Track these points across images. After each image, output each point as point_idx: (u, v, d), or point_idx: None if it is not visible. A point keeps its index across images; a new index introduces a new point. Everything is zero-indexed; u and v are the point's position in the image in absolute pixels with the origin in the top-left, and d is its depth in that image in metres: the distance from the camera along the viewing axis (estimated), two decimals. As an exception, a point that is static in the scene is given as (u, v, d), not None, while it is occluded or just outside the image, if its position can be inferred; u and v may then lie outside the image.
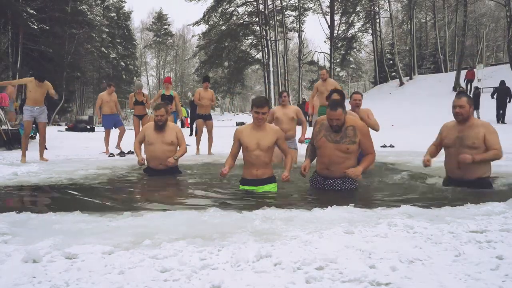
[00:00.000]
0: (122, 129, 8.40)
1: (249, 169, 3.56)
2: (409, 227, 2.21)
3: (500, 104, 14.00)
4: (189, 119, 17.02)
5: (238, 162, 3.79)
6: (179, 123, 11.48)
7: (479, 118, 15.18)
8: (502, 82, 14.66)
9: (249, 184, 3.58)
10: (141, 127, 7.82)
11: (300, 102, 26.14)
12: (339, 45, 35.38)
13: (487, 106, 14.51)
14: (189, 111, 16.78)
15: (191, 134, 13.32)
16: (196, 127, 8.33)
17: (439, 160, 5.15)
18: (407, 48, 37.51)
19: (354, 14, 35.24)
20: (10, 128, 9.13)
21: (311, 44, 45.52)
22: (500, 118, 13.95)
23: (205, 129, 7.92)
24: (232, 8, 32.06)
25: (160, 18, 54.49)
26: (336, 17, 33.84)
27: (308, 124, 6.77)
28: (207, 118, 7.91)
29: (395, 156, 6.64)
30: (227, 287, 1.49)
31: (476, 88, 16.81)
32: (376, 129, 5.08)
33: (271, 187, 3.59)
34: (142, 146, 4.85)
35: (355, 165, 3.44)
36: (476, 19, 39.98)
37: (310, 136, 3.80)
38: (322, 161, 3.57)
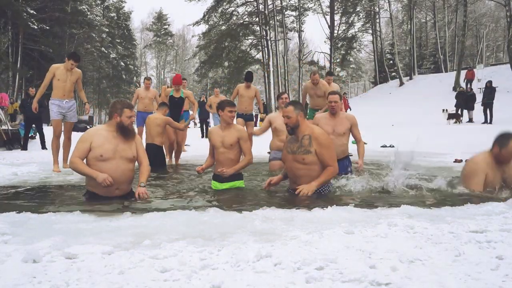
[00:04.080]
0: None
1: (217, 166, 3.83)
2: (409, 227, 2.21)
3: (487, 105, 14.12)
4: (197, 120, 16.73)
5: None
6: (192, 124, 11.03)
7: (472, 119, 15.21)
8: (490, 82, 14.72)
9: (216, 180, 3.84)
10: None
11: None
12: (339, 45, 35.41)
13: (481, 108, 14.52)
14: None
15: (203, 136, 13.08)
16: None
17: (439, 160, 5.16)
18: (407, 48, 37.55)
19: (354, 14, 35.31)
20: (10, 128, 9.13)
21: (311, 44, 45.54)
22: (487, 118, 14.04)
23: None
24: (232, 8, 32.08)
25: (160, 18, 54.52)
26: (336, 17, 33.93)
27: None
28: (248, 118, 7.20)
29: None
30: (227, 287, 1.49)
31: (471, 89, 16.85)
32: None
33: (237, 184, 3.80)
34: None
35: (317, 176, 3.23)
36: (476, 19, 40.02)
37: None
38: (289, 175, 3.40)
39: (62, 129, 5.46)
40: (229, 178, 3.77)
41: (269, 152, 5.38)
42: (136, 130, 6.47)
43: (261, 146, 6.95)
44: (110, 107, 3.40)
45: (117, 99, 4.23)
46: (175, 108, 6.46)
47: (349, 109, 16.94)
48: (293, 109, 3.24)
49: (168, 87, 7.28)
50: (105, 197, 3.18)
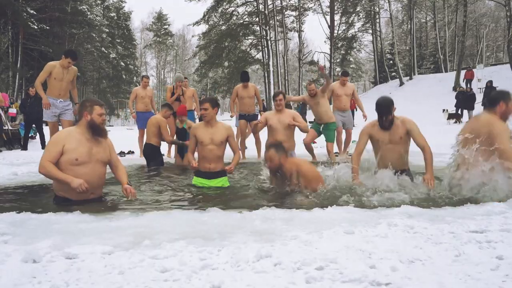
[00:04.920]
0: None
1: (202, 163, 3.89)
2: (409, 227, 2.21)
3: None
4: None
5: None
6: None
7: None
8: (490, 82, 14.70)
9: (202, 177, 3.90)
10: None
11: (300, 103, 26.14)
12: (339, 45, 35.41)
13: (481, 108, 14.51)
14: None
15: None
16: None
17: (439, 160, 5.12)
18: (407, 48, 37.54)
19: (354, 14, 35.30)
20: (10, 128, 9.13)
21: (311, 44, 45.55)
22: None
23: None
24: (232, 8, 32.08)
25: (160, 18, 54.53)
26: (336, 17, 33.91)
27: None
28: (251, 118, 6.86)
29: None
30: (227, 287, 1.49)
31: (471, 89, 16.85)
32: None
33: (223, 181, 3.93)
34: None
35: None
36: (476, 19, 40.01)
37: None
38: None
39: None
40: (217, 174, 3.88)
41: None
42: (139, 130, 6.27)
43: (253, 147, 6.96)
44: (79, 107, 3.19)
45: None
46: (180, 136, 6.28)
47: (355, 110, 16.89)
48: (275, 152, 3.38)
49: (174, 87, 7.18)
50: (78, 202, 2.96)
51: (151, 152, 5.77)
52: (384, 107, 3.51)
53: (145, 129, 6.14)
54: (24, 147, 8.66)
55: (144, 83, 7.54)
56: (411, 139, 3.58)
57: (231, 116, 7.84)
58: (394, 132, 3.53)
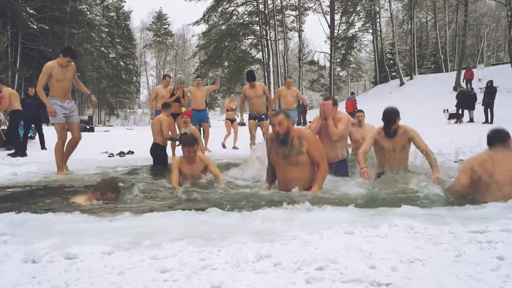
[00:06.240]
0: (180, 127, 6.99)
1: None
2: (410, 227, 2.20)
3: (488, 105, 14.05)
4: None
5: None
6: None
7: (472, 118, 15.18)
8: (490, 82, 14.67)
9: None
10: (177, 128, 7.07)
11: (300, 102, 26.12)
12: (339, 44, 35.39)
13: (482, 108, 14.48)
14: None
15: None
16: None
17: (439, 160, 5.12)
18: (407, 47, 37.55)
19: (354, 14, 35.30)
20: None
21: (311, 44, 45.64)
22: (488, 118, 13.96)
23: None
24: (232, 8, 32.10)
25: (160, 18, 54.53)
26: (336, 17, 33.90)
27: None
28: (261, 118, 6.84)
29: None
30: (227, 287, 1.48)
31: (472, 89, 16.82)
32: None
33: None
34: None
35: (310, 177, 3.37)
36: (477, 19, 40.02)
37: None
38: (280, 179, 3.53)
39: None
40: None
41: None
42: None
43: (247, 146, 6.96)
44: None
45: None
46: None
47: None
48: (284, 117, 3.39)
49: (174, 88, 7.28)
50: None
51: (156, 151, 5.90)
52: (390, 116, 3.84)
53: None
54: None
55: (166, 82, 7.47)
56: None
57: (241, 120, 7.94)
58: (398, 140, 3.88)
